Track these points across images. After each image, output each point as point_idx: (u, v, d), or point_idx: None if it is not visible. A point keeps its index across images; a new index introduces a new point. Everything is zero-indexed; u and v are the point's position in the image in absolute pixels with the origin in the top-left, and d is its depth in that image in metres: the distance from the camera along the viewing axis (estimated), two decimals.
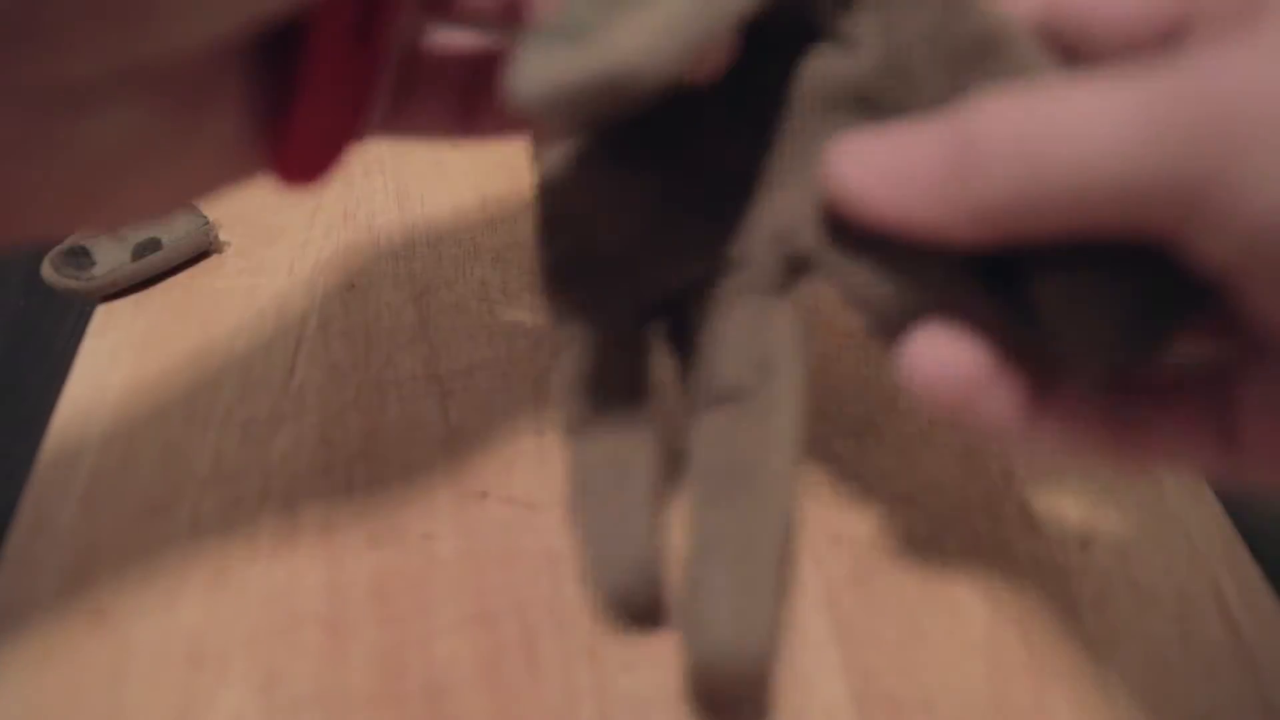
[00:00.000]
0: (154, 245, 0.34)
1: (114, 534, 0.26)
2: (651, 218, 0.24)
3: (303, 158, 0.20)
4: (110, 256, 0.33)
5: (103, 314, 0.33)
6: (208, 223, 0.35)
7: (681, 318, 0.25)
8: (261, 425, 0.29)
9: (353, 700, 0.23)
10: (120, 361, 0.31)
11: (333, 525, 0.26)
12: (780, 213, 0.23)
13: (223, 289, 0.34)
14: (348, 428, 0.29)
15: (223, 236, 0.36)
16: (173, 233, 0.34)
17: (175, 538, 0.26)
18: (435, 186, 0.37)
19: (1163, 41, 0.20)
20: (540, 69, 0.18)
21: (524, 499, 0.27)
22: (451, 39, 0.23)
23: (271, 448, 0.28)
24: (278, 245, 0.35)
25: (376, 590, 0.25)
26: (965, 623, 0.25)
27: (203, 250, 0.35)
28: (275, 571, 0.25)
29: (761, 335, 0.23)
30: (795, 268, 0.23)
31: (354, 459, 0.28)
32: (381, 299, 0.33)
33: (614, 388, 0.25)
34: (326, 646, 0.23)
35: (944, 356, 0.20)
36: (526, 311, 0.32)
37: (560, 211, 0.25)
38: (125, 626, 0.24)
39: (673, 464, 0.24)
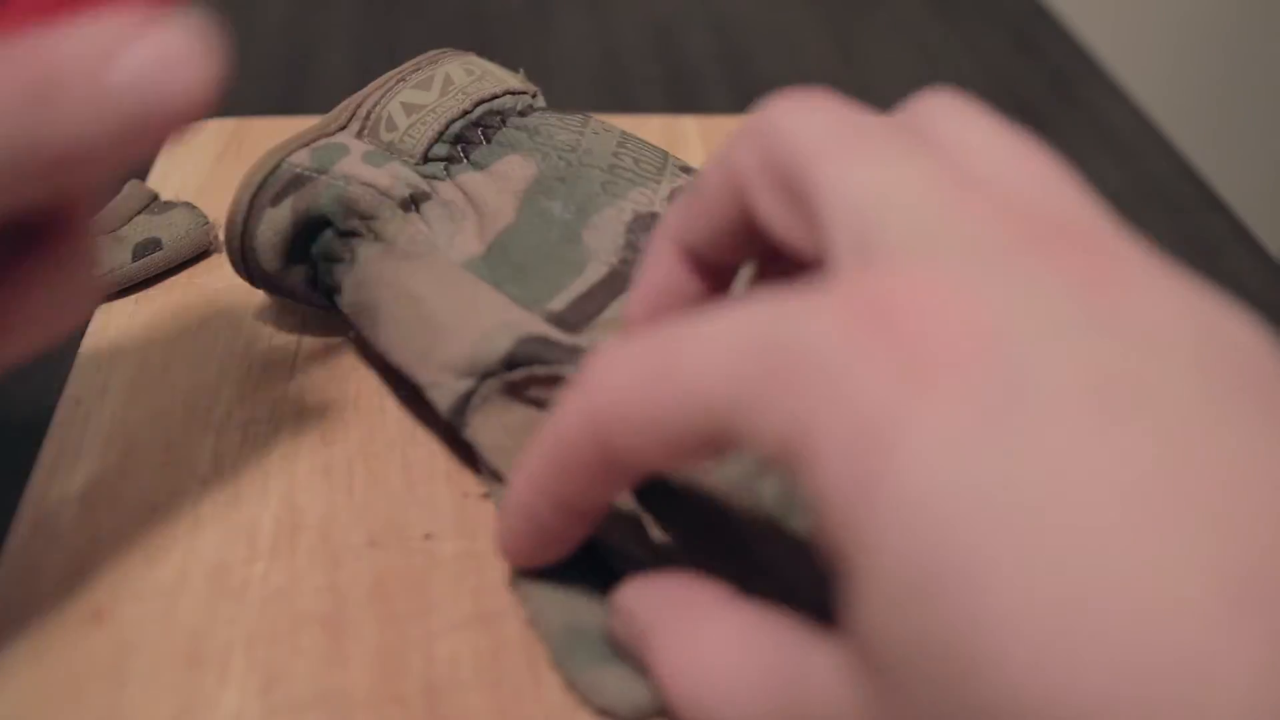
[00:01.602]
0: (154, 245, 0.34)
1: (114, 534, 0.26)
2: None
3: None
4: (110, 256, 0.33)
5: (103, 314, 0.33)
6: (208, 222, 0.35)
7: None
8: (262, 425, 0.29)
9: (353, 701, 0.23)
10: (120, 362, 0.31)
11: (333, 525, 0.26)
12: None
13: (223, 289, 0.34)
14: (348, 428, 0.29)
15: (223, 236, 0.36)
16: (173, 233, 0.34)
17: (175, 538, 0.26)
18: None
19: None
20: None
21: None
22: None
23: (271, 448, 0.28)
24: None
25: (376, 590, 0.25)
26: None
27: (203, 250, 0.35)
28: (275, 571, 0.25)
29: None
30: None
31: (354, 459, 0.28)
32: None
33: None
34: (326, 647, 0.23)
35: None
36: None
37: None
38: (125, 626, 0.24)
39: None
